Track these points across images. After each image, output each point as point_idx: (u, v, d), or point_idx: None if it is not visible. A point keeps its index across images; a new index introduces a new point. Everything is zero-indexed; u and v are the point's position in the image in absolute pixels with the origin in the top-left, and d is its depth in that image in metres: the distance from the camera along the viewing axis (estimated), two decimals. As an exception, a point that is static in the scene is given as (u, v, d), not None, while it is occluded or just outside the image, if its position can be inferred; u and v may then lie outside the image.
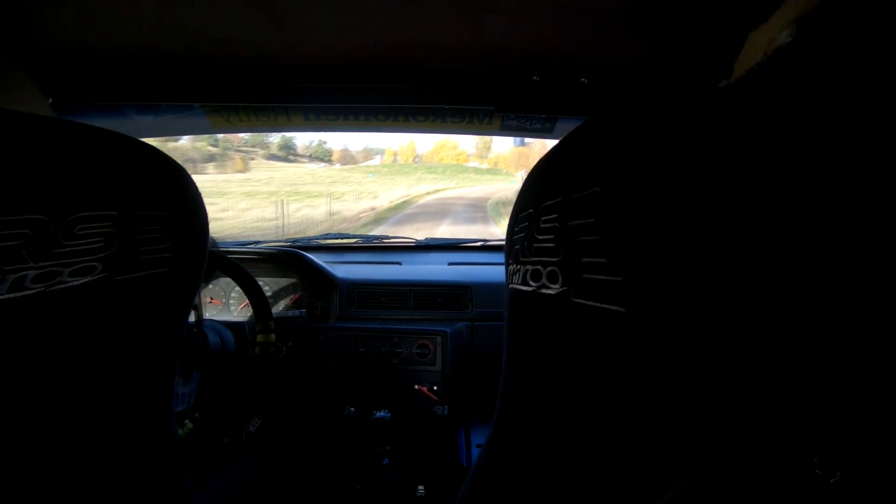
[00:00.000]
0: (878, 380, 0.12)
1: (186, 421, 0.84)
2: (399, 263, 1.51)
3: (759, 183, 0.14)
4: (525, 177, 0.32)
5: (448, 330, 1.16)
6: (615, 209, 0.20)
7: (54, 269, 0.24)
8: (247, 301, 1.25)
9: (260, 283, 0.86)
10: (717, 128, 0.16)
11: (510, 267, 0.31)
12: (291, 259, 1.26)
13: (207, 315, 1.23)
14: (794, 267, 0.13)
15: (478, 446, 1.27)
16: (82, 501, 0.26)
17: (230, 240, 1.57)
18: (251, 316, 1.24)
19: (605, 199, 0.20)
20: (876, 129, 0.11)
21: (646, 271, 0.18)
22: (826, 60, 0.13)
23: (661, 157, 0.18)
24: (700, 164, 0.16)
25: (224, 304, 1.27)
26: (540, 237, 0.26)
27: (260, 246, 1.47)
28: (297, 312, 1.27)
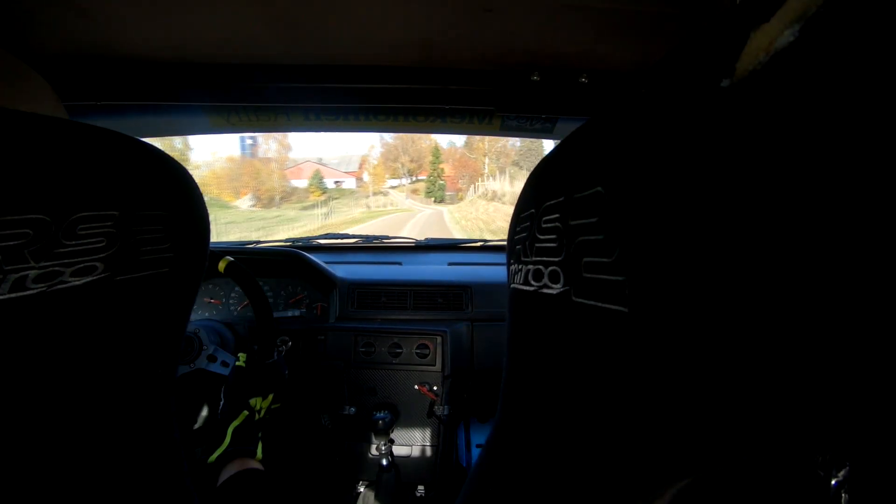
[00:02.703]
0: (881, 381, 0.12)
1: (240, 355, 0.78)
2: (399, 263, 1.51)
3: (763, 182, 0.14)
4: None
5: (448, 330, 1.16)
6: (618, 209, 0.20)
7: (56, 268, 0.24)
8: (247, 301, 1.25)
9: (260, 283, 0.86)
10: (721, 127, 0.16)
11: (512, 267, 0.31)
12: (292, 259, 1.26)
13: (207, 315, 1.23)
14: (797, 267, 0.13)
15: (478, 446, 1.27)
16: (83, 501, 0.26)
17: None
18: (251, 317, 1.23)
19: (608, 199, 0.20)
20: (880, 129, 0.11)
21: (649, 271, 0.18)
22: (830, 60, 0.13)
23: (664, 157, 0.18)
24: (704, 163, 0.16)
25: (224, 304, 1.27)
26: (541, 237, 0.26)
27: (260, 246, 1.47)
28: (296, 312, 1.27)
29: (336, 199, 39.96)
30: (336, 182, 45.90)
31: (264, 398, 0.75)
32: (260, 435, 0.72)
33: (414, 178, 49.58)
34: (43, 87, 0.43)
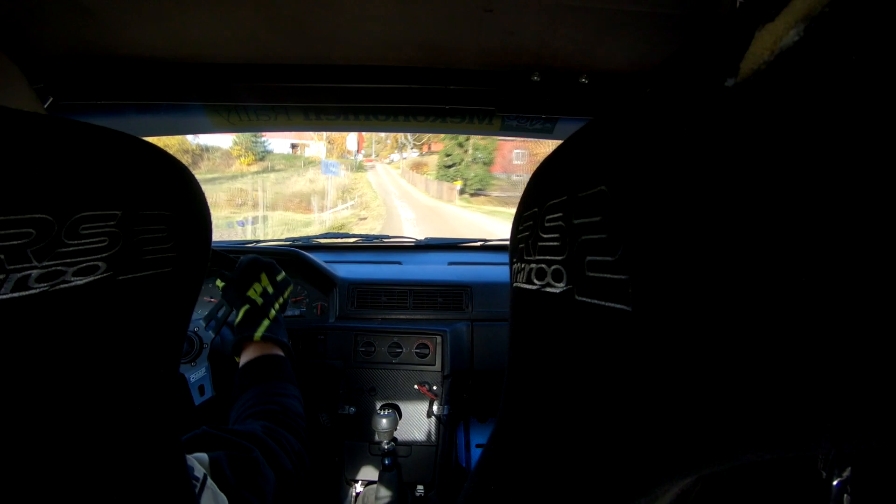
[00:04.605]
0: (883, 381, 0.12)
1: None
2: (399, 263, 1.51)
3: (767, 182, 0.14)
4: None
5: (448, 330, 1.16)
6: (621, 208, 0.20)
7: (58, 268, 0.24)
8: None
9: None
10: (726, 127, 0.16)
11: (514, 266, 0.31)
12: (292, 259, 1.26)
13: (206, 314, 1.23)
14: (801, 267, 0.13)
15: (478, 446, 1.27)
16: (84, 501, 0.26)
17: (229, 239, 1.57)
18: None
19: (611, 198, 0.20)
20: (887, 130, 0.11)
21: (652, 270, 0.18)
22: (835, 60, 0.13)
23: (668, 156, 0.18)
24: (707, 162, 0.16)
25: (220, 300, 1.27)
26: (545, 236, 0.26)
27: (260, 245, 1.47)
28: (296, 312, 1.27)
29: (278, 171, 22.45)
30: (293, 146, 27.31)
31: (259, 282, 0.81)
32: (272, 314, 0.78)
33: (424, 151, 28.49)
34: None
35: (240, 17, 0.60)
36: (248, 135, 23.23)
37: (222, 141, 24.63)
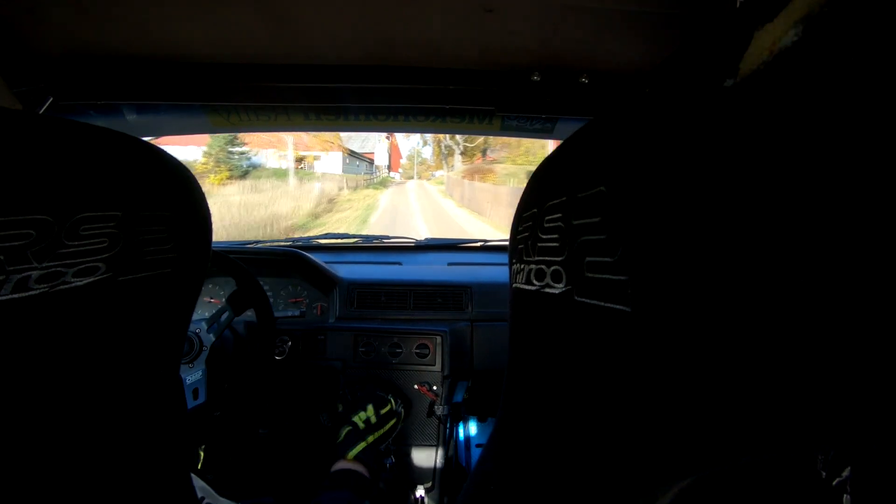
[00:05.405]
0: (882, 381, 0.12)
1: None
2: (399, 263, 1.51)
3: (767, 182, 0.14)
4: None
5: (447, 330, 1.16)
6: (621, 208, 0.20)
7: (58, 269, 0.24)
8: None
9: (260, 282, 0.86)
10: (725, 127, 0.16)
11: (514, 266, 0.31)
12: (292, 259, 1.26)
13: (206, 315, 1.23)
14: (800, 267, 0.13)
15: (477, 446, 1.27)
16: (85, 502, 0.26)
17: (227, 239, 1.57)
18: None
19: (611, 199, 0.20)
20: (884, 130, 0.11)
21: (651, 271, 0.18)
22: (833, 60, 0.13)
23: (667, 156, 0.18)
24: (707, 163, 0.16)
25: (223, 304, 1.27)
26: (544, 236, 0.26)
27: (260, 245, 1.47)
28: (296, 312, 1.27)
29: (260, 192, 14.29)
30: (299, 160, 21.25)
31: (365, 411, 0.91)
32: (369, 439, 0.87)
33: (478, 161, 20.48)
34: None
35: (240, 17, 0.60)
36: (220, 144, 17.33)
37: (190, 152, 16.83)
